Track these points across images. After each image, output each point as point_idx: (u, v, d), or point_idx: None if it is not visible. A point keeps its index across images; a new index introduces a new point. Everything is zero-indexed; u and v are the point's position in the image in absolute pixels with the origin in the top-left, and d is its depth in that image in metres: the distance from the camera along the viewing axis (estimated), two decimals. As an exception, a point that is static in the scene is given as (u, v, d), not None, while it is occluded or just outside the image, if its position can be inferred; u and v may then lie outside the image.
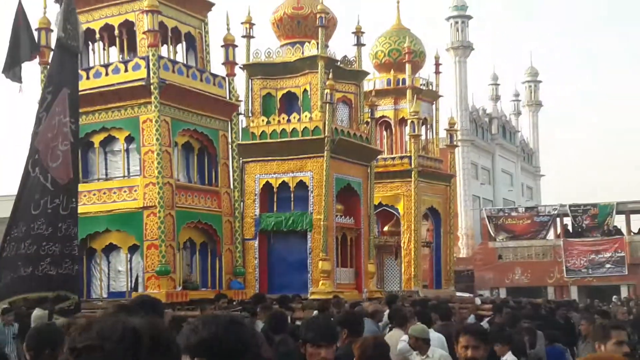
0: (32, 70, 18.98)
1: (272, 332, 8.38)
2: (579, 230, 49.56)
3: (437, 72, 32.82)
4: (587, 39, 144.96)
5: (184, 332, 2.93)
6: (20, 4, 11.38)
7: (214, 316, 3.03)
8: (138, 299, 5.53)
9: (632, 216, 49.36)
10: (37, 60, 16.79)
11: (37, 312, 10.43)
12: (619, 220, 49.24)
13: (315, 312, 13.33)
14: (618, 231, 48.90)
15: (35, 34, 16.93)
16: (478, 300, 27.10)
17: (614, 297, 40.98)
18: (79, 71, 14.58)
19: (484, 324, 16.01)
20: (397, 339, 9.63)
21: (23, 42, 11.43)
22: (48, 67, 15.07)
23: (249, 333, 2.93)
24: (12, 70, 11.24)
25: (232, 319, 3.04)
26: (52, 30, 18.07)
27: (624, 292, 44.58)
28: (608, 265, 47.47)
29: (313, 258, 23.23)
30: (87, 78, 19.67)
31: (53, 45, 13.11)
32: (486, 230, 51.99)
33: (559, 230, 50.52)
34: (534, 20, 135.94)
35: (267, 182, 24.12)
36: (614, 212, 48.76)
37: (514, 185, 71.97)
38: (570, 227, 50.35)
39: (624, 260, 47.06)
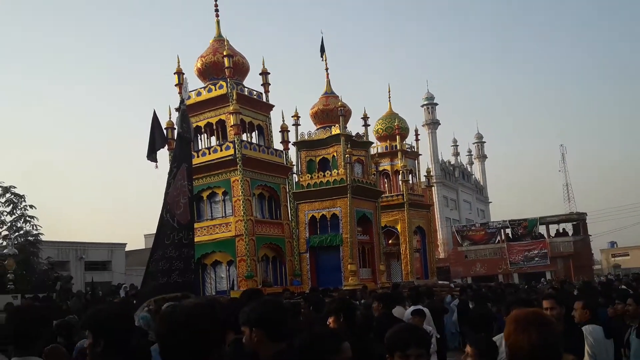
0: (164, 154, 19.45)
1: (315, 311, 8.36)
2: (516, 236, 48.90)
3: (417, 140, 32.74)
4: (517, 110, 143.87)
5: (244, 310, 2.99)
6: (154, 113, 11.65)
7: (264, 300, 3.09)
8: (247, 290, 5.56)
9: (550, 226, 48.64)
10: (166, 147, 17.15)
11: (168, 305, 10.53)
12: (541, 229, 48.50)
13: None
14: (541, 236, 48.20)
15: (165, 131, 17.32)
16: (452, 285, 26.77)
17: (542, 279, 40.27)
18: (192, 152, 14.92)
19: (456, 301, 15.85)
20: (400, 312, 9.53)
21: (157, 137, 11.65)
22: (173, 151, 15.43)
23: (288, 311, 3.00)
24: (151, 155, 11.47)
25: (276, 301, 3.10)
26: (174, 128, 18.49)
27: (548, 276, 43.75)
28: (536, 259, 46.67)
29: (344, 263, 23.09)
30: (197, 156, 20.11)
31: (176, 137, 13.41)
32: (456, 239, 51.36)
33: (503, 237, 49.83)
34: (480, 100, 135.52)
35: (313, 215, 24.10)
36: (538, 223, 48.09)
37: (472, 210, 71.24)
38: (510, 235, 49.67)
39: (546, 255, 46.28)
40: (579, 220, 48.47)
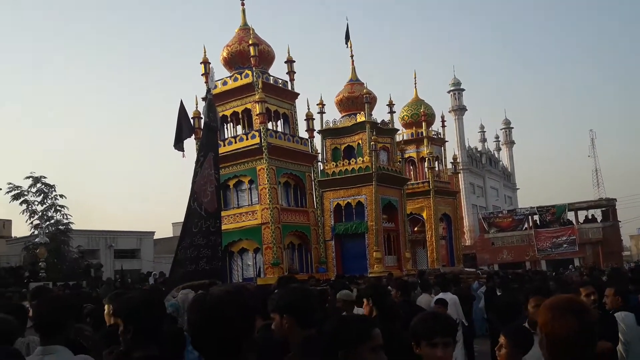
0: (191, 143, 19.57)
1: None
2: (544, 223, 48.16)
3: (443, 126, 32.31)
4: (545, 96, 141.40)
5: (274, 297, 2.99)
6: (181, 102, 11.65)
7: (293, 287, 3.09)
8: (282, 277, 5.60)
9: (579, 212, 47.78)
10: (193, 137, 17.24)
11: (199, 293, 10.59)
12: (570, 215, 47.70)
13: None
14: (570, 222, 47.39)
15: (192, 120, 17.41)
16: (479, 272, 26.53)
17: (570, 266, 39.65)
18: (219, 141, 14.95)
19: (483, 287, 15.70)
20: (426, 299, 9.48)
21: (184, 126, 11.64)
22: (200, 140, 15.49)
23: (316, 298, 2.98)
24: (178, 144, 11.50)
25: (305, 288, 3.09)
26: (201, 118, 18.57)
27: (576, 263, 43.06)
28: (565, 245, 45.92)
29: (369, 250, 23.02)
30: (224, 145, 20.15)
31: (202, 126, 13.43)
32: (482, 226, 50.82)
33: (531, 224, 49.11)
34: (508, 85, 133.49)
35: (338, 203, 24.06)
36: (566, 209, 47.29)
37: (499, 196, 70.34)
38: (538, 221, 48.92)
39: (575, 242, 45.54)
40: (608, 206, 47.56)
